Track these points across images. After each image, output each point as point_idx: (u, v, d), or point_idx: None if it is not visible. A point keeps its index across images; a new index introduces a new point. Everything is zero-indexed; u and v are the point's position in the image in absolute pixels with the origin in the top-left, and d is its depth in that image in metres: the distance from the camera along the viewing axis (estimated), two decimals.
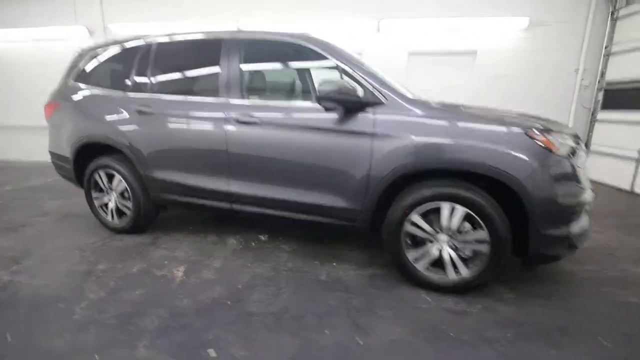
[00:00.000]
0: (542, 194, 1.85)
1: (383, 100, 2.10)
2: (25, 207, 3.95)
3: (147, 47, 2.80)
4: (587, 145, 5.57)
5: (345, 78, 2.16)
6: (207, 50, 2.59)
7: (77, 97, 3.06)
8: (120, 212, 3.04)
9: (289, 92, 2.87)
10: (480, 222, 1.96)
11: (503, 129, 1.92)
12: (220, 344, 1.69)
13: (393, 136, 2.03)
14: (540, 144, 1.87)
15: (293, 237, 3.03)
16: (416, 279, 2.19)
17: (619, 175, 4.95)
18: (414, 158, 1.99)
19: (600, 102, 5.47)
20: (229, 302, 2.05)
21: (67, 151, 3.10)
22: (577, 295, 2.18)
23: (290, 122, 2.28)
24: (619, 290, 2.22)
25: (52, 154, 3.31)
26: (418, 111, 2.03)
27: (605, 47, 5.34)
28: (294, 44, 2.34)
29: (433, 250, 2.11)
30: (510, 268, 2.34)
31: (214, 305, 2.02)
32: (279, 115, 2.32)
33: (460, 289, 2.12)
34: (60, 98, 3.15)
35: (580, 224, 2.00)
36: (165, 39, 2.77)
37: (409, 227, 2.12)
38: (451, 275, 2.11)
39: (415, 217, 2.09)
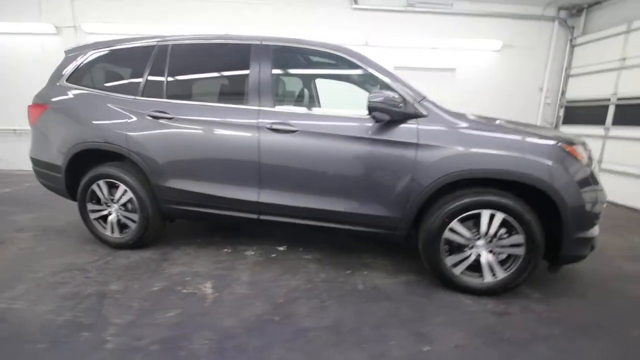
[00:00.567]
0: (574, 200, 2.02)
1: (425, 113, 2.17)
2: None
3: (162, 49, 2.61)
4: None
5: (390, 91, 2.19)
6: (234, 54, 2.49)
7: (71, 99, 2.75)
8: (122, 226, 2.76)
9: (325, 100, 2.84)
10: (519, 227, 2.08)
11: (541, 141, 2.07)
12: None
13: (439, 147, 2.10)
14: (571, 154, 2.05)
15: (312, 246, 2.97)
16: (454, 284, 2.25)
17: None
18: (460, 168, 2.06)
19: (562, 117, 6.14)
20: (276, 318, 1.94)
21: (57, 158, 2.76)
22: (592, 292, 2.39)
23: (331, 131, 2.25)
24: (625, 285, 2.47)
25: (36, 160, 2.92)
26: (462, 123, 2.13)
27: (565, 70, 6.02)
28: (332, 54, 2.34)
29: (471, 255, 2.20)
30: None
31: (262, 322, 1.90)
32: (318, 123, 2.29)
33: (496, 291, 2.22)
34: (49, 100, 2.80)
35: (597, 226, 2.21)
36: (183, 41, 2.60)
37: (448, 234, 2.19)
38: (488, 279, 2.20)
39: (455, 224, 2.16)
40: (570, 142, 2.10)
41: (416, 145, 2.12)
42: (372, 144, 2.19)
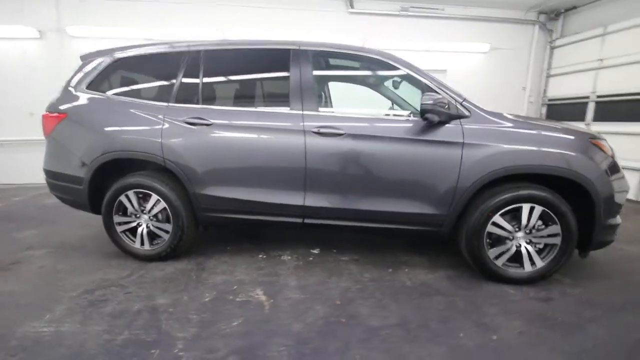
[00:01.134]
0: (605, 190, 2.20)
1: (467, 113, 2.27)
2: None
3: (194, 54, 2.54)
4: None
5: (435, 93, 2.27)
6: (272, 59, 2.48)
7: (93, 107, 2.62)
8: (151, 237, 2.65)
9: (367, 103, 2.87)
10: (555, 218, 2.23)
11: (575, 137, 2.24)
12: None
13: (484, 145, 2.20)
14: (600, 148, 2.23)
15: (344, 248, 3.00)
16: (496, 275, 2.36)
17: None
18: (506, 164, 2.18)
19: (544, 115, 6.56)
20: (342, 320, 1.96)
21: (79, 170, 2.61)
22: (614, 274, 2.59)
23: (377, 133, 2.30)
24: (635, 265, 2.71)
25: (52, 173, 2.74)
26: (505, 122, 2.25)
27: (546, 70, 6.45)
28: (375, 59, 2.40)
29: (512, 247, 2.32)
30: None
31: (330, 325, 1.91)
32: (365, 125, 2.33)
33: (534, 280, 2.35)
34: (68, 108, 2.64)
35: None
36: (217, 47, 2.55)
37: (490, 228, 2.30)
38: (528, 268, 2.34)
39: (498, 218, 2.28)
40: (598, 137, 2.28)
41: (462, 145, 2.22)
42: (419, 144, 2.26)
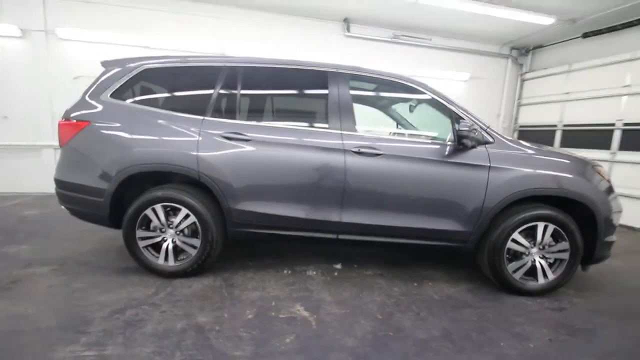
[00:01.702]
0: (605, 211, 2.51)
1: (491, 139, 2.51)
2: None
3: (232, 70, 2.56)
4: None
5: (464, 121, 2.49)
6: (309, 80, 2.57)
7: (120, 116, 2.52)
8: (176, 253, 2.57)
9: (400, 126, 3.02)
10: (565, 236, 2.51)
11: (582, 164, 2.55)
12: None
13: (508, 169, 2.44)
14: (600, 174, 2.57)
15: (365, 263, 3.09)
16: (514, 288, 2.57)
17: None
18: (527, 187, 2.43)
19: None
20: (390, 333, 2.03)
21: (99, 181, 2.48)
22: (607, 284, 2.92)
23: (413, 155, 2.46)
24: (619, 277, 3.07)
25: (66, 183, 2.57)
26: (525, 149, 2.52)
27: (517, 100, 7.15)
28: (409, 86, 2.59)
29: (528, 262, 2.56)
30: None
31: (380, 338, 1.97)
32: (401, 146, 2.48)
33: (546, 291, 2.60)
34: (91, 116, 2.52)
35: None
36: (255, 64, 2.60)
37: (510, 244, 2.52)
38: (540, 281, 2.58)
39: (516, 235, 2.51)
40: (598, 165, 2.62)
41: (489, 168, 2.44)
42: (450, 166, 2.45)
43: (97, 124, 2.50)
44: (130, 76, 2.60)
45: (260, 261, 3.02)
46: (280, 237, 2.57)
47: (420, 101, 2.75)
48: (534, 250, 2.55)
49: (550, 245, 2.54)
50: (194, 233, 2.55)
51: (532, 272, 2.58)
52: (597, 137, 5.48)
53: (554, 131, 6.27)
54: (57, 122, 2.59)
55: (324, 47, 6.15)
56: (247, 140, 2.45)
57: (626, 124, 5.08)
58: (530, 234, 2.53)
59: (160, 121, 2.51)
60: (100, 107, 2.54)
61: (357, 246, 2.99)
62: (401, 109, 2.93)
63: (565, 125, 6.10)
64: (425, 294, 2.56)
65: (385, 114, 3.03)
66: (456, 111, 2.57)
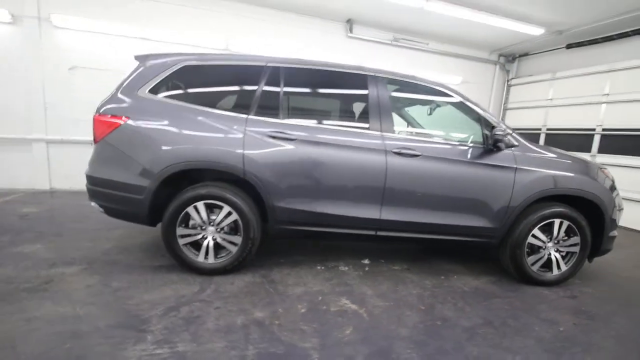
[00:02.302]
0: (610, 208, 2.81)
1: (516, 143, 2.72)
2: (3, 258, 2.71)
3: (274, 70, 2.59)
4: None
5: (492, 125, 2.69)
6: (350, 82, 2.67)
7: (161, 112, 2.48)
8: (216, 250, 2.58)
9: (436, 129, 3.16)
10: (577, 231, 2.78)
11: (593, 166, 2.83)
12: (492, 356, 1.87)
13: (532, 170, 2.66)
14: (606, 174, 2.86)
15: (390, 258, 3.23)
16: (531, 279, 2.81)
17: None
18: (551, 186, 2.66)
19: None
20: (438, 323, 2.18)
21: (139, 179, 2.44)
22: (607, 275, 3.24)
23: (448, 156, 2.62)
24: (618, 269, 3.43)
25: (102, 180, 2.49)
26: (547, 153, 2.75)
27: (504, 104, 7.60)
28: (445, 92, 2.75)
29: (545, 255, 2.81)
30: None
31: (431, 327, 2.12)
32: (437, 148, 2.64)
33: (559, 282, 2.87)
34: (129, 112, 2.46)
35: None
36: (297, 65, 2.65)
37: (530, 239, 2.76)
38: (555, 272, 2.84)
39: (536, 231, 2.75)
40: (604, 167, 2.92)
41: (515, 169, 2.66)
42: (482, 167, 2.64)
43: (137, 120, 2.45)
44: (169, 72, 2.56)
45: (289, 257, 3.08)
46: (321, 233, 2.66)
47: (450, 105, 2.91)
48: (550, 244, 2.80)
49: (563, 240, 2.81)
50: (232, 230, 2.57)
51: (546, 264, 2.83)
52: (578, 140, 5.97)
53: (538, 134, 6.75)
54: (92, 117, 2.49)
55: (326, 46, 6.22)
56: (292, 140, 2.50)
57: (605, 129, 5.60)
58: (546, 229, 2.78)
59: (201, 118, 2.50)
60: (139, 103, 2.49)
61: (392, 242, 3.13)
62: (431, 112, 3.10)
63: (548, 129, 6.59)
64: (455, 286, 2.75)
65: (416, 116, 3.19)
66: (484, 115, 2.76)
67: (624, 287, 3.01)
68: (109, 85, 5.11)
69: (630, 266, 3.60)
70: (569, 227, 2.77)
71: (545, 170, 2.69)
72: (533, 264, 2.80)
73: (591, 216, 2.82)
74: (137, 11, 5.22)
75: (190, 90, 2.63)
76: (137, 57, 2.67)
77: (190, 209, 2.48)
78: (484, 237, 2.76)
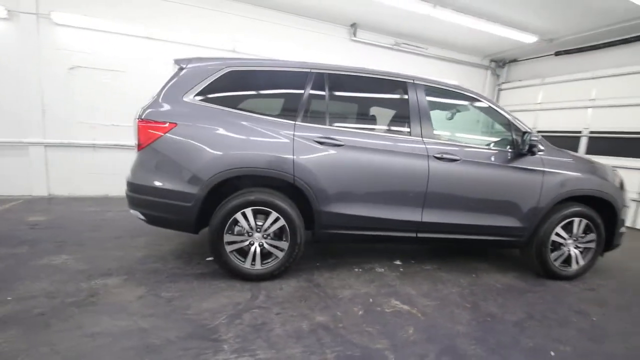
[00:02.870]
0: (621, 206, 3.08)
1: (543, 147, 2.92)
2: (33, 271, 2.57)
3: (318, 76, 2.63)
4: None
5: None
6: (392, 88, 2.75)
7: (210, 118, 2.45)
8: (263, 256, 2.59)
9: (467, 134, 3.28)
10: (594, 228, 3.02)
11: (608, 168, 3.07)
12: (547, 347, 2.02)
13: (558, 172, 2.87)
14: (617, 175, 3.13)
15: (420, 258, 3.36)
16: (554, 274, 3.03)
17: None
18: (575, 187, 2.88)
19: None
20: (488, 319, 2.32)
21: (187, 186, 2.41)
22: (614, 270, 3.52)
23: (484, 160, 2.77)
24: (622, 264, 3.74)
25: (146, 188, 2.43)
26: (571, 157, 2.96)
27: None
28: (475, 98, 2.88)
29: (565, 252, 3.03)
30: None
31: (483, 324, 2.25)
32: (475, 152, 2.78)
33: (577, 276, 3.10)
34: (177, 117, 2.42)
35: None
36: (341, 71, 2.70)
37: (553, 237, 2.97)
38: (574, 267, 3.07)
39: (559, 229, 2.96)
40: (615, 169, 3.19)
41: (543, 172, 2.85)
42: (515, 170, 2.82)
43: (185, 126, 2.41)
44: (215, 77, 2.54)
45: (324, 261, 3.13)
46: (365, 237, 2.73)
47: (481, 109, 3.08)
48: (570, 241, 3.03)
49: (581, 237, 3.04)
50: (277, 236, 2.59)
51: (566, 260, 3.05)
52: (566, 142, 6.38)
53: None
54: (136, 121, 2.43)
55: (330, 48, 6.29)
56: (339, 145, 2.55)
57: (591, 132, 6.03)
58: (567, 227, 3.00)
59: (250, 124, 2.50)
60: (186, 108, 2.45)
61: (429, 243, 3.25)
62: (462, 117, 3.25)
63: (538, 132, 6.98)
64: (489, 284, 2.90)
65: (451, 121, 3.33)
66: (513, 120, 2.93)
67: (631, 279, 3.30)
68: (111, 87, 5.02)
69: (628, 259, 3.93)
70: (586, 225, 3.00)
71: (569, 173, 2.91)
72: (555, 260, 3.01)
73: (604, 214, 3.07)
74: (141, 9, 5.05)
75: (237, 96, 2.61)
76: (177, 61, 2.62)
77: (238, 216, 2.47)
78: (514, 236, 2.94)
